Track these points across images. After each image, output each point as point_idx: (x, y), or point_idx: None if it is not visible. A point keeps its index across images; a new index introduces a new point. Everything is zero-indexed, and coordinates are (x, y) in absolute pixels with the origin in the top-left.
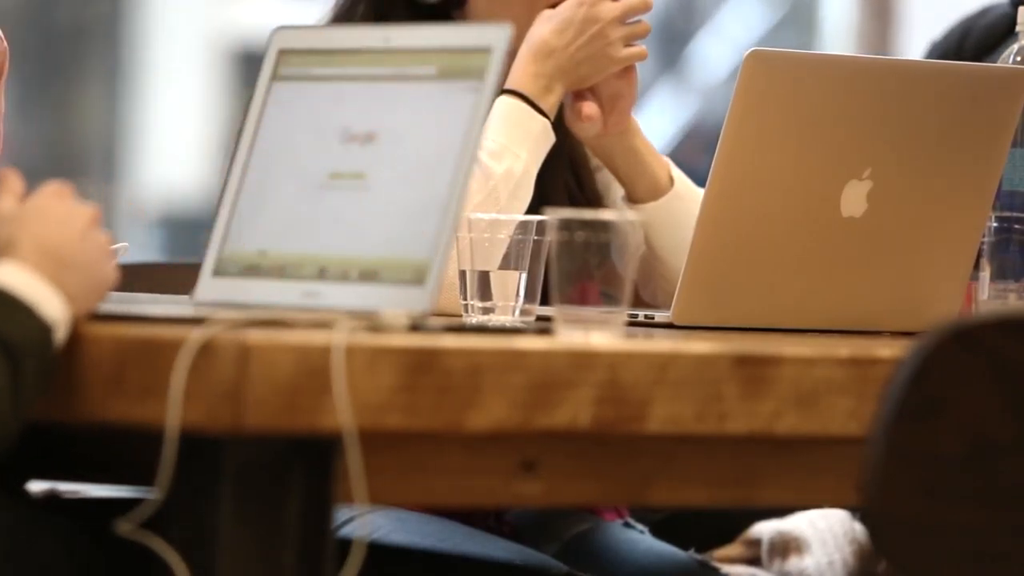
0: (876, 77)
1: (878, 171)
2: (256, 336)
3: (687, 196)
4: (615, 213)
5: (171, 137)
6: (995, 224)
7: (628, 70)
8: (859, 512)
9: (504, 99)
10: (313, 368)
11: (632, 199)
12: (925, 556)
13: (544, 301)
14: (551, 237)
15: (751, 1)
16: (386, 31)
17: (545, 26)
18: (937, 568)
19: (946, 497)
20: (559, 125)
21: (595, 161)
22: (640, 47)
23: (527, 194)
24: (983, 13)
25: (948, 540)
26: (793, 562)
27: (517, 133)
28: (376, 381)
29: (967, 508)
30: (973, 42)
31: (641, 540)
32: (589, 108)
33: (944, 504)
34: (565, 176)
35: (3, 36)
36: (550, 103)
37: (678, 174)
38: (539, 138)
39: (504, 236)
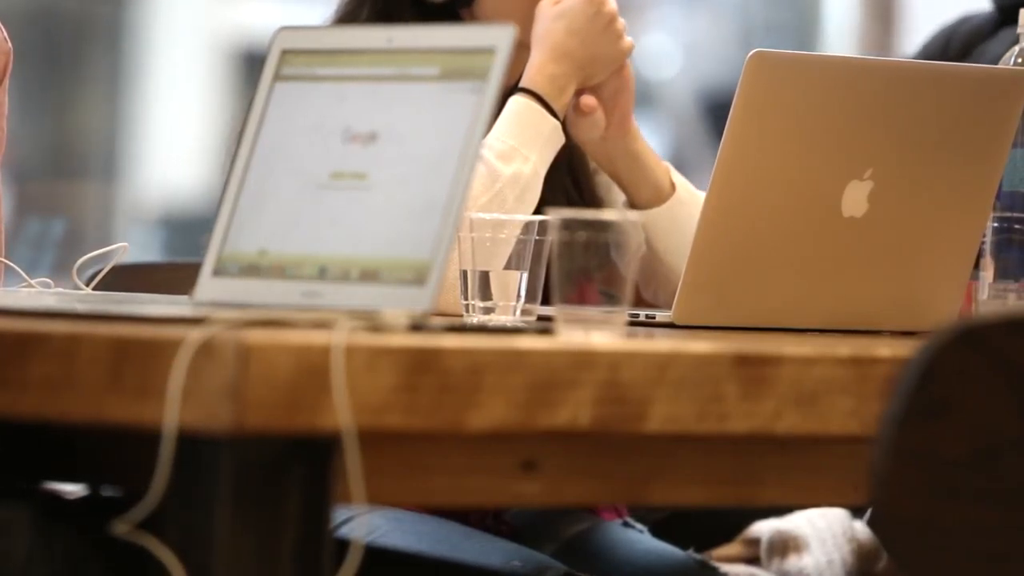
0: (878, 78)
1: (879, 172)
2: (256, 336)
3: (689, 200)
4: (616, 213)
5: (172, 137)
6: (995, 224)
7: (623, 66)
8: (865, 512)
9: (517, 98)
10: (313, 368)
11: (635, 205)
12: (932, 556)
13: (545, 301)
14: (552, 237)
15: None
16: (389, 31)
17: (557, 24)
18: (944, 568)
19: (953, 497)
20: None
21: (594, 164)
22: (630, 39)
23: (534, 197)
24: (963, 20)
25: (955, 540)
26: (792, 561)
27: (528, 134)
28: (376, 381)
29: (974, 508)
30: (956, 48)
31: (640, 540)
32: (588, 99)
33: (951, 504)
34: (564, 180)
35: (7, 37)
36: (562, 103)
37: (679, 178)
38: (549, 139)
39: (506, 236)
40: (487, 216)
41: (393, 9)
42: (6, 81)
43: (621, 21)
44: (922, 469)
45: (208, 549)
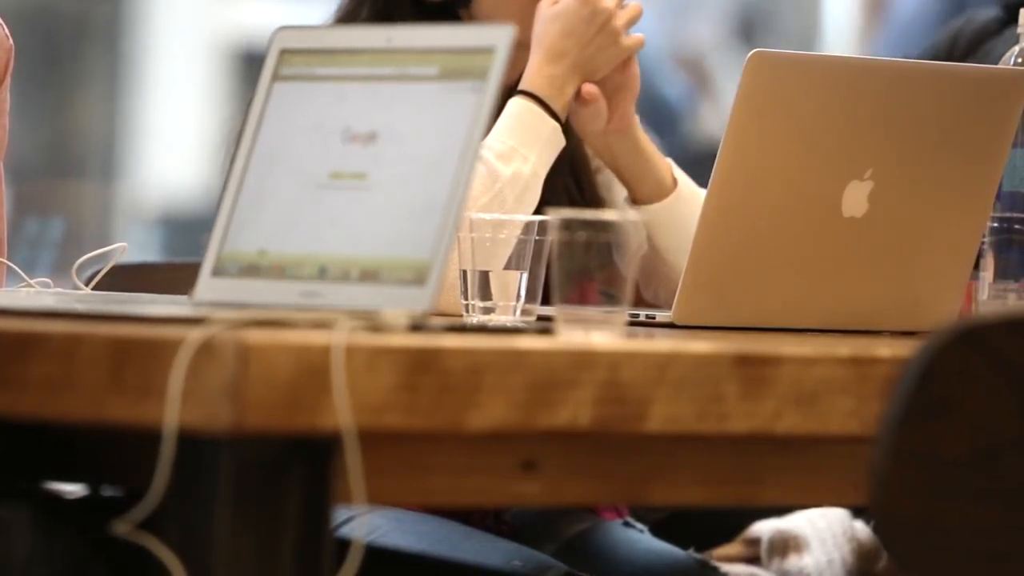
0: (878, 78)
1: (879, 172)
2: (256, 336)
3: (690, 197)
4: (616, 213)
5: (171, 137)
6: (995, 224)
7: (627, 61)
8: (866, 512)
9: (517, 100)
10: (313, 368)
11: (636, 200)
12: (932, 556)
13: (545, 301)
14: (552, 237)
15: None
16: (388, 31)
17: (552, 26)
18: (944, 568)
19: (953, 497)
20: (563, 128)
21: (595, 162)
22: (640, 35)
23: (534, 197)
24: (968, 20)
25: (955, 540)
26: (792, 561)
27: (527, 135)
28: (376, 381)
29: (974, 508)
30: (963, 46)
31: (640, 539)
32: (590, 87)
33: (951, 504)
34: (566, 179)
35: (9, 34)
36: (562, 104)
37: (680, 175)
38: (549, 141)
39: (505, 236)
40: (487, 216)
41: (393, 9)
42: (8, 78)
43: (623, 16)
44: (922, 469)
45: (208, 549)
